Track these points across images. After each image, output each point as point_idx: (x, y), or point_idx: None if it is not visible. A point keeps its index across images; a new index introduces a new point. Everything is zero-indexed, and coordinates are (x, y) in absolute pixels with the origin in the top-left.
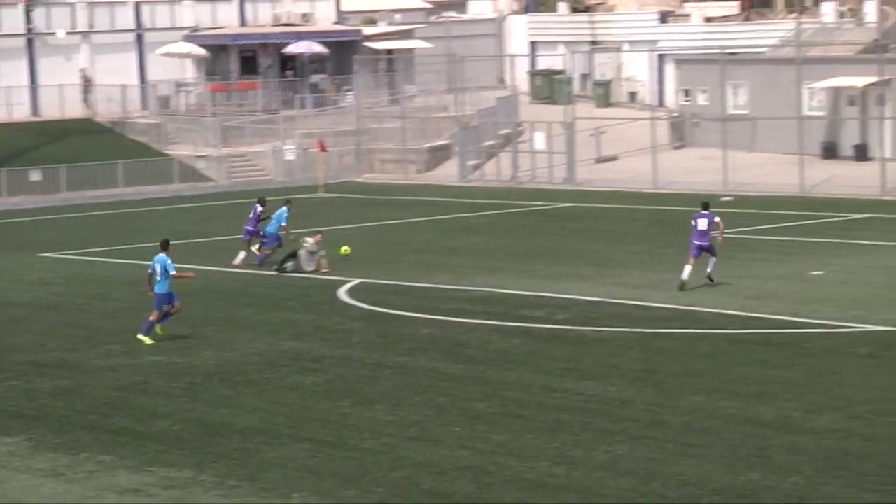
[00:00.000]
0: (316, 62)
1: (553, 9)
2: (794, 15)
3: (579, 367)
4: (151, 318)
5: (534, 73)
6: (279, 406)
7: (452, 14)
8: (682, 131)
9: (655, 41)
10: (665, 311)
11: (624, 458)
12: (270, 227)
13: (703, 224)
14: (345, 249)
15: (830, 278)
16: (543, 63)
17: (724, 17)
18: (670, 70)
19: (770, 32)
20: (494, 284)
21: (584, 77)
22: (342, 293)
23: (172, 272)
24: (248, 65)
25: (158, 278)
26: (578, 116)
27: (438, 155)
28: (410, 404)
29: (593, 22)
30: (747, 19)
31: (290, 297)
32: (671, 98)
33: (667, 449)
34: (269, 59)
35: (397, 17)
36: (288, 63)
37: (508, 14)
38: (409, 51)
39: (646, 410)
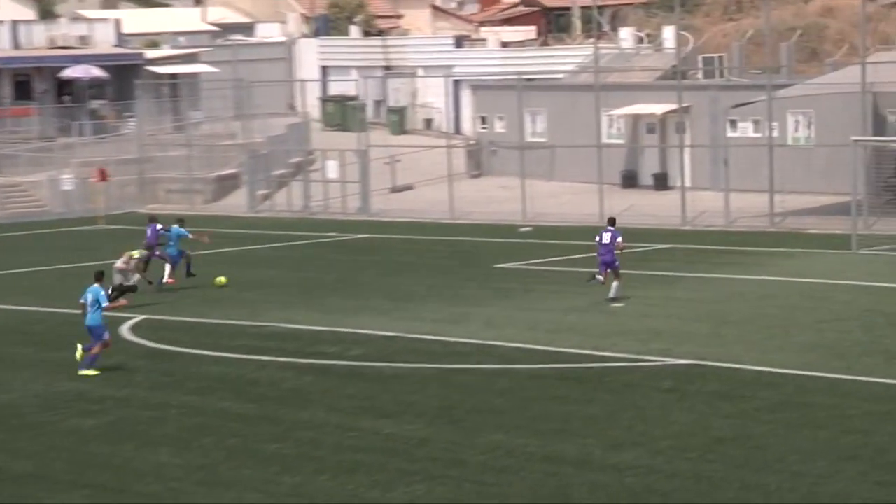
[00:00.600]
0: (95, 87)
1: (345, 32)
2: (591, 40)
3: (376, 405)
4: (95, 351)
5: (325, 99)
6: (58, 451)
7: (240, 37)
8: (479, 160)
9: (451, 66)
10: (464, 346)
11: (422, 499)
12: (171, 249)
13: (606, 238)
14: (220, 280)
15: (631, 310)
16: (335, 88)
17: (521, 42)
18: (467, 96)
19: (568, 58)
20: (287, 320)
21: (378, 103)
22: (125, 330)
23: (104, 304)
24: (22, 90)
25: (90, 309)
26: (372, 144)
27: (226, 184)
28: (198, 447)
29: (387, 46)
30: (544, 44)
31: (71, 335)
32: (468, 125)
33: (465, 489)
34: (45, 83)
35: (181, 39)
36: (65, 88)
37: (298, 37)
38: (195, 75)
39: (444, 449)
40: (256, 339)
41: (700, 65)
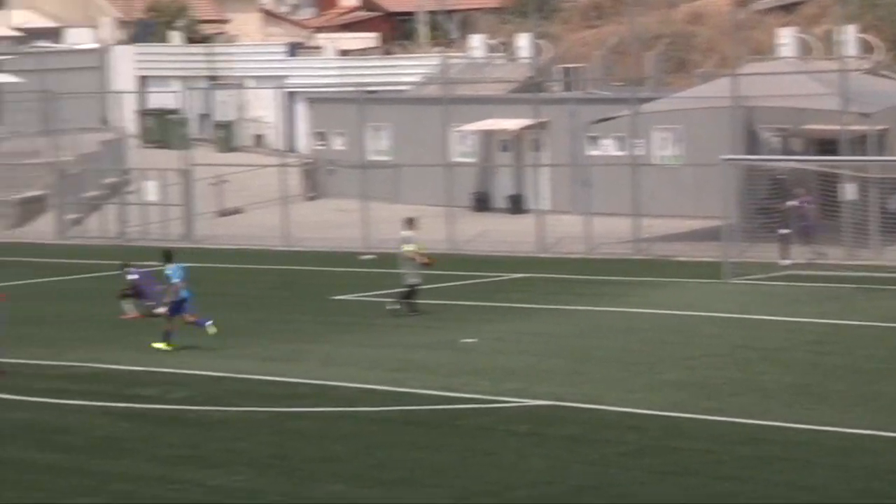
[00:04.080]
0: None
1: (165, 39)
2: (439, 49)
3: (200, 454)
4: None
5: (144, 113)
6: None
7: (46, 43)
8: (315, 180)
9: (284, 77)
10: (299, 387)
11: None
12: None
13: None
14: None
15: (484, 347)
16: (155, 101)
17: (362, 50)
18: (302, 110)
19: (414, 68)
20: (100, 359)
21: (203, 117)
22: None
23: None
24: None
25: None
26: (197, 163)
27: (31, 208)
28: None
29: (212, 54)
30: (388, 53)
31: None
32: (303, 142)
33: None
34: None
35: None
36: None
37: (113, 44)
38: None
39: (277, 501)
40: (64, 382)
41: (558, 76)
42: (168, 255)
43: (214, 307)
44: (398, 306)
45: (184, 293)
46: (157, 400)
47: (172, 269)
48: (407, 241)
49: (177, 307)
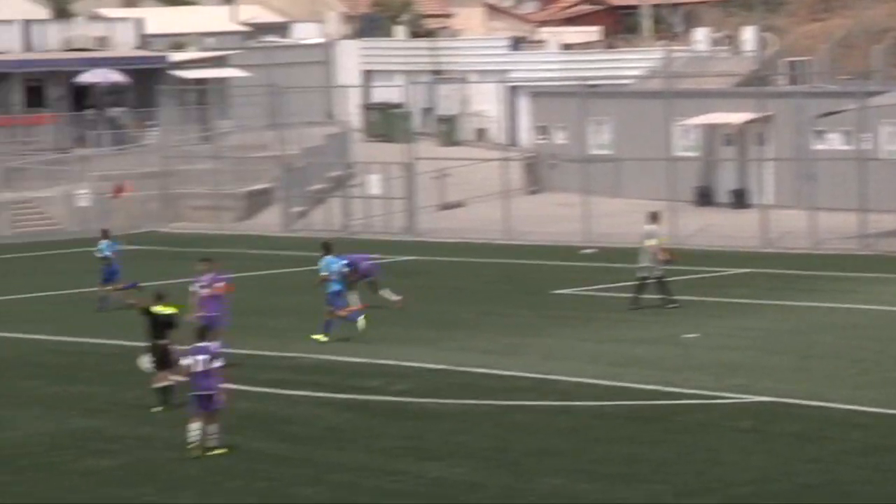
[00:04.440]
0: (114, 93)
1: (390, 34)
2: (663, 42)
3: (421, 446)
4: (343, 314)
5: (368, 107)
6: (72, 494)
7: (274, 38)
8: (537, 174)
9: (506, 71)
10: (519, 381)
11: None
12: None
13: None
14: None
15: (706, 342)
16: (379, 95)
17: (585, 44)
18: (524, 104)
19: (636, 62)
20: (323, 350)
21: (426, 111)
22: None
23: (334, 268)
24: (35, 96)
25: (332, 279)
26: (419, 157)
27: (258, 201)
28: (225, 491)
29: (436, 49)
30: (611, 47)
31: (84, 367)
32: (525, 136)
33: None
34: (60, 89)
35: (209, 41)
36: (82, 94)
37: (339, 39)
38: (223, 80)
39: (497, 494)
40: (288, 373)
41: (784, 70)
42: (328, 247)
43: (436, 300)
44: (675, 304)
45: (336, 286)
46: (379, 391)
47: (328, 261)
48: (650, 235)
49: (335, 297)
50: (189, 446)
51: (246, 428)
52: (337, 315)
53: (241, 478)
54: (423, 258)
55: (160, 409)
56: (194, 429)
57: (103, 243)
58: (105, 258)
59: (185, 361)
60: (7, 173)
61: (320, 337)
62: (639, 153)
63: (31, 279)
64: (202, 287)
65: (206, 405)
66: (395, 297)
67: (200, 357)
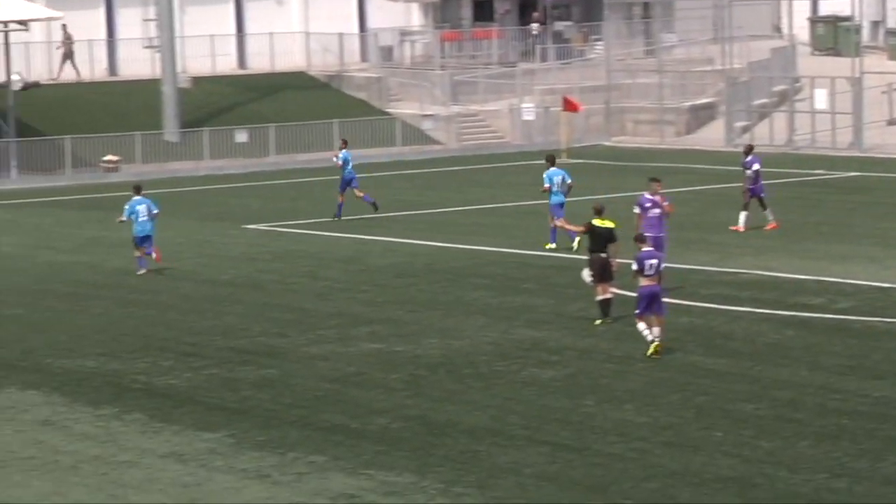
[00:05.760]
0: (560, 7)
1: None
2: None
3: (865, 365)
4: (560, 225)
5: (815, 20)
6: (513, 403)
7: None
8: None
9: None
10: None
11: None
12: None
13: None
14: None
15: None
16: (827, 7)
17: None
18: None
19: None
20: (764, 266)
21: (876, 24)
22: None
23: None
24: (483, 10)
25: (553, 190)
26: (868, 71)
27: (701, 115)
28: (665, 404)
29: None
30: None
31: (528, 279)
32: None
33: None
34: (507, 3)
35: None
36: (528, 8)
37: None
38: None
39: None
40: (729, 288)
41: None
42: (552, 159)
43: (882, 216)
44: None
45: (557, 197)
46: (822, 309)
47: (551, 173)
48: None
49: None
50: (652, 344)
51: (687, 342)
52: (560, 225)
53: (681, 391)
54: (868, 174)
55: (602, 321)
56: (643, 328)
57: None
58: None
59: (635, 266)
60: (455, 87)
61: (551, 245)
62: None
63: (474, 190)
64: (649, 206)
65: (656, 308)
66: (771, 220)
67: (652, 261)
